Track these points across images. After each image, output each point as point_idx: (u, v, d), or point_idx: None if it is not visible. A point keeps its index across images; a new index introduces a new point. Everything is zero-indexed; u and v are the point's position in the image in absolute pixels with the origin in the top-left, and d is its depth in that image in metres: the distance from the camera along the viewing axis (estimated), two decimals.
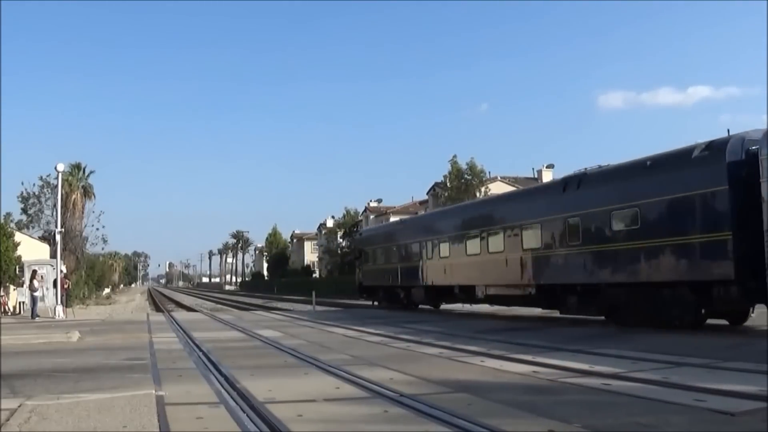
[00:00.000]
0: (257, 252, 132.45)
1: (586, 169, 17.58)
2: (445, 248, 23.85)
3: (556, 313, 20.90)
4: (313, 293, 36.07)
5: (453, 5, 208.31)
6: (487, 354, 10.65)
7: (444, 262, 23.77)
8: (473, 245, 21.80)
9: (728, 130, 13.99)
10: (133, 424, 5.61)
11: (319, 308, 34.17)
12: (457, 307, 25.87)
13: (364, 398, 7.06)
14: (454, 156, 47.06)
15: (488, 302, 22.17)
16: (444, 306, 26.94)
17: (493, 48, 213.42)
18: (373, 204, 72.04)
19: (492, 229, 20.83)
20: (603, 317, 16.72)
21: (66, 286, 29.62)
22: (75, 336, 15.93)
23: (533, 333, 14.96)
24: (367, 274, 31.86)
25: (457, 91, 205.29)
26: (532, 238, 18.66)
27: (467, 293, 22.43)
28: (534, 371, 8.59)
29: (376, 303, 31.67)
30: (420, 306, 27.61)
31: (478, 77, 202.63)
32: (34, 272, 26.70)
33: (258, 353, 12.40)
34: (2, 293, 29.67)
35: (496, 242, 20.43)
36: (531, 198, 20.58)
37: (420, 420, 5.81)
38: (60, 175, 28.99)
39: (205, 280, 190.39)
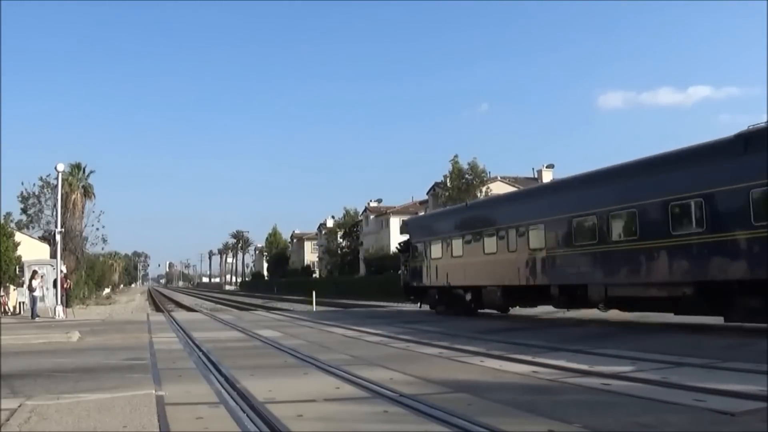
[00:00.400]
0: (257, 252, 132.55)
1: None
2: (537, 236, 18.61)
3: (556, 313, 20.81)
4: (313, 293, 36.10)
5: (453, 5, 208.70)
6: (486, 354, 10.64)
7: (537, 255, 18.58)
8: (586, 231, 16.74)
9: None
10: (133, 424, 5.61)
11: (319, 308, 34.19)
12: (540, 311, 21.48)
13: (364, 398, 7.06)
14: (456, 156, 47.12)
15: (611, 306, 17.01)
16: (515, 310, 22.44)
17: (494, 48, 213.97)
18: (373, 204, 72.12)
19: (618, 209, 15.71)
20: None
21: (67, 286, 29.65)
22: (75, 336, 15.93)
23: (533, 333, 14.96)
24: (416, 272, 25.76)
25: (457, 91, 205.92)
26: (685, 220, 14.12)
27: (570, 295, 17.55)
28: (534, 371, 8.58)
29: (427, 306, 25.81)
30: (480, 311, 22.53)
31: (478, 77, 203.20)
32: (34, 272, 26.70)
33: (258, 353, 12.40)
34: (2, 293, 29.67)
35: (626, 226, 15.57)
36: (682, 163, 14.65)
37: (420, 420, 5.80)
38: (60, 175, 28.99)
39: (205, 280, 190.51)
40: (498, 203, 23.96)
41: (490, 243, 20.81)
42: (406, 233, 27.77)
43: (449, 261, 23.22)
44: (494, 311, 22.33)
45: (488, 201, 27.51)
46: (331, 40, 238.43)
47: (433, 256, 24.47)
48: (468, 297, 22.27)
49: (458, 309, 22.73)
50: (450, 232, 23.58)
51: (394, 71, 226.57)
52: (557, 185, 19.56)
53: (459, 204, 29.98)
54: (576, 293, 17.14)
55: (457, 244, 22.77)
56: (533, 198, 20.80)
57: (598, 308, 17.43)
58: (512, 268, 19.58)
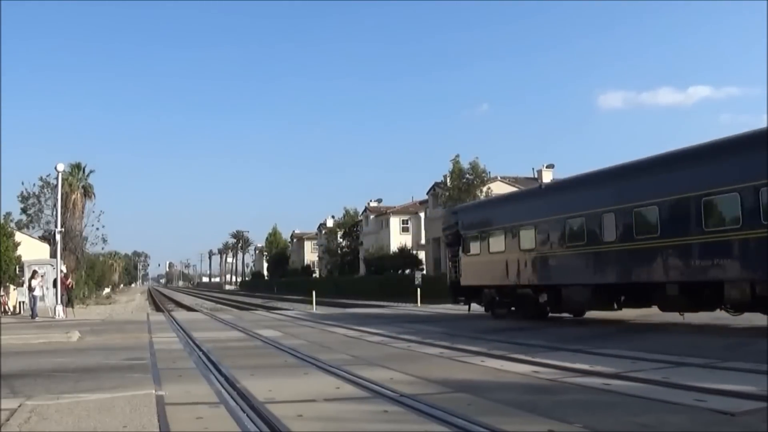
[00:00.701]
0: (257, 252, 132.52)
1: None
2: (647, 222, 15.03)
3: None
4: (314, 293, 36.10)
5: (453, 5, 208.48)
6: (487, 354, 10.65)
7: (646, 245, 14.84)
8: (723, 214, 13.43)
9: None
10: (133, 424, 5.61)
11: (319, 308, 34.19)
12: (634, 314, 17.95)
13: (365, 398, 7.06)
14: (457, 155, 47.01)
15: (755, 308, 13.28)
16: (588, 314, 18.88)
17: (494, 48, 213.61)
18: (373, 204, 72.08)
19: None
20: None
21: (69, 285, 29.66)
22: (75, 336, 15.94)
23: (533, 333, 14.95)
24: (470, 268, 22.12)
25: (457, 91, 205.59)
26: None
27: (694, 295, 14.20)
28: (534, 371, 8.59)
29: (483, 309, 21.91)
30: (553, 315, 19.21)
31: (478, 77, 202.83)
32: (34, 272, 26.70)
33: (258, 353, 12.41)
34: (2, 293, 29.68)
35: None
36: None
37: (420, 420, 5.81)
38: (60, 175, 28.98)
39: (205, 280, 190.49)
40: (591, 182, 18.88)
41: (577, 232, 17.21)
42: (454, 223, 23.99)
43: (516, 255, 19.63)
44: (569, 315, 19.28)
45: (575, 180, 21.40)
46: (331, 40, 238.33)
47: (492, 250, 20.87)
48: (543, 298, 18.83)
49: (525, 312, 19.53)
50: (518, 221, 19.95)
51: (394, 71, 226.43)
52: (674, 156, 15.44)
53: (539, 185, 25.11)
54: (703, 293, 14.02)
55: (528, 235, 19.19)
56: (640, 175, 16.23)
57: (726, 310, 14.28)
58: (611, 262, 16.27)
